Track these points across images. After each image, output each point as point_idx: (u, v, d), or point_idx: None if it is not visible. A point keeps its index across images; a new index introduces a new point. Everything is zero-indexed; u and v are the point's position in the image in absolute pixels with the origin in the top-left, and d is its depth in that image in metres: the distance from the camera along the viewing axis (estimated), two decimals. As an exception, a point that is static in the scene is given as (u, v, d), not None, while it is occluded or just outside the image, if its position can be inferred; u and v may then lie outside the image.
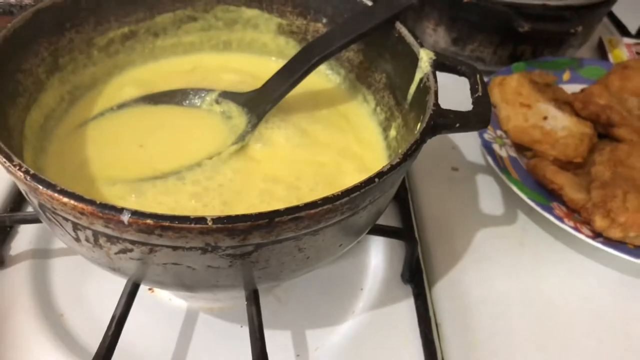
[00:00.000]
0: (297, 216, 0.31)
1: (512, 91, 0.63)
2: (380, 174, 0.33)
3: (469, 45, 0.72)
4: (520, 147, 0.61)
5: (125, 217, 0.29)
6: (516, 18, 0.65)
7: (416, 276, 0.50)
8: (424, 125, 0.37)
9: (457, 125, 0.38)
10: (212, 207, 0.41)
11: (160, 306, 0.48)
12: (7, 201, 0.52)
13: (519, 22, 0.64)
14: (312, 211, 0.31)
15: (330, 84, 0.55)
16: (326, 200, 0.31)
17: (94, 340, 0.45)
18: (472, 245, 0.55)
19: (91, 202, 0.30)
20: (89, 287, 0.48)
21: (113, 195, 0.42)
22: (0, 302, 0.46)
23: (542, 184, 0.56)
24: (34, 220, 0.46)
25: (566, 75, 0.72)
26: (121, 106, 0.50)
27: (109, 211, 0.29)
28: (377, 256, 0.53)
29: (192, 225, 0.29)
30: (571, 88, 0.69)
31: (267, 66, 0.56)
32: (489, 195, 0.60)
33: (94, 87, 0.52)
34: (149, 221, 0.29)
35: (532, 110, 0.61)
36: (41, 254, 0.50)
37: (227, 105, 0.50)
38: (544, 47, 0.72)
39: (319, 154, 0.48)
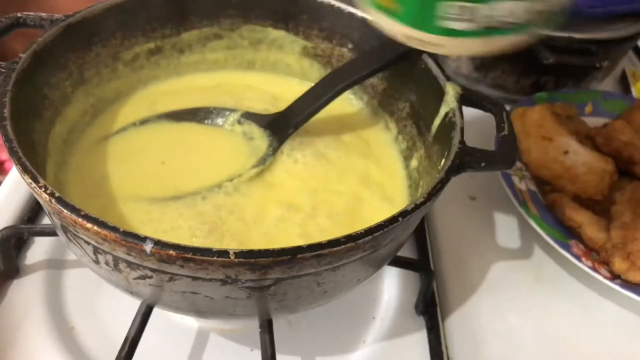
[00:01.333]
0: (319, 253, 0.30)
1: (533, 123, 0.63)
2: (404, 213, 0.33)
3: (492, 73, 0.72)
4: (538, 180, 0.61)
5: (148, 247, 0.29)
6: (541, 49, 0.64)
7: (430, 308, 0.50)
8: (449, 163, 0.37)
9: (483, 164, 0.38)
10: (230, 233, 0.41)
11: (172, 325, 0.48)
12: (25, 211, 0.53)
13: (544, 53, 0.64)
14: (335, 249, 0.31)
15: (352, 108, 0.55)
16: (349, 238, 0.31)
17: (103, 356, 0.45)
18: (487, 278, 0.55)
19: (115, 230, 0.29)
20: (101, 301, 0.48)
21: (132, 213, 0.42)
22: (14, 311, 0.46)
23: (560, 220, 0.55)
24: (52, 233, 0.46)
25: (588, 108, 0.71)
26: (143, 122, 0.50)
27: (132, 239, 0.29)
28: (391, 285, 0.52)
29: (215, 258, 0.29)
30: (593, 121, 0.69)
31: (290, 88, 0.56)
32: (505, 227, 0.60)
33: (117, 100, 0.52)
34: (171, 252, 0.29)
35: (554, 143, 0.61)
36: (56, 264, 0.50)
37: (249, 126, 0.50)
38: (568, 79, 0.72)
39: (339, 180, 0.47)
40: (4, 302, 0.47)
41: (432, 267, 0.53)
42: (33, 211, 0.53)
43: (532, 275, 0.56)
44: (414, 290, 0.51)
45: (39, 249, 0.51)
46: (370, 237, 0.31)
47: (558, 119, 0.64)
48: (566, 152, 0.60)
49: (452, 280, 0.54)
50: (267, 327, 0.39)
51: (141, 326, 0.39)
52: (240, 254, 0.29)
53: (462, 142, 0.38)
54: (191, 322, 0.48)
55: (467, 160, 0.37)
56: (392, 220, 0.32)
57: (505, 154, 0.39)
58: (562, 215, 0.55)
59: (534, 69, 0.70)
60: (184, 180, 0.45)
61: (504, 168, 0.38)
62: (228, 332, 0.48)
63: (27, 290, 0.48)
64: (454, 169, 0.37)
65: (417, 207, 0.33)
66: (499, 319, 0.51)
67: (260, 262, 0.30)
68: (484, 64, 0.71)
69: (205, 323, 0.48)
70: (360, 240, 0.31)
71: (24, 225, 0.51)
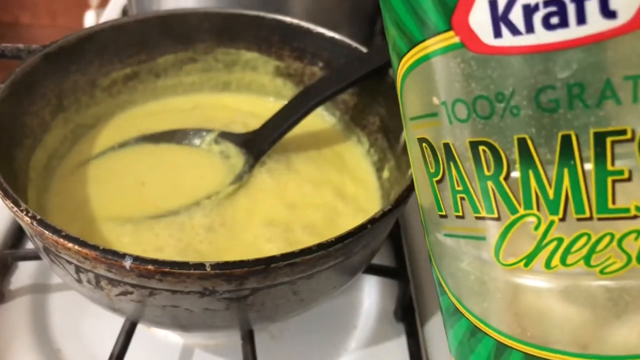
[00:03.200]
0: (292, 262, 0.32)
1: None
2: (372, 221, 0.35)
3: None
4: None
5: (127, 263, 0.30)
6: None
7: (408, 314, 0.51)
8: (415, 172, 0.39)
9: (447, 171, 0.39)
10: (209, 249, 0.42)
11: (156, 342, 0.49)
12: (8, 237, 0.53)
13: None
14: (307, 257, 0.32)
15: (325, 124, 0.57)
16: (320, 246, 0.33)
17: (90, 377, 0.46)
18: (463, 283, 0.56)
19: (95, 248, 0.31)
20: (85, 323, 0.49)
21: (113, 234, 0.43)
22: (0, 337, 0.47)
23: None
24: (36, 257, 0.47)
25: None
26: (122, 145, 0.52)
27: (112, 257, 0.31)
28: (371, 294, 0.54)
29: (191, 271, 0.30)
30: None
31: (265, 106, 0.57)
32: (480, 233, 0.61)
33: (96, 126, 0.53)
34: (149, 267, 0.30)
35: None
36: (40, 288, 0.51)
37: (225, 146, 0.51)
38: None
39: (316, 194, 0.49)
40: (-10, 328, 0.48)
41: (409, 273, 0.54)
42: (16, 237, 0.54)
43: (507, 278, 0.57)
44: (393, 297, 0.53)
45: (23, 274, 0.51)
46: (340, 244, 0.33)
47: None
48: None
49: (430, 286, 0.55)
50: (248, 338, 0.40)
51: (125, 343, 0.40)
52: (216, 265, 0.31)
53: (427, 151, 0.40)
54: (176, 339, 0.49)
55: (432, 168, 0.39)
56: (362, 227, 0.34)
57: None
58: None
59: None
60: (164, 199, 0.47)
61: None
62: (212, 347, 0.49)
63: (13, 315, 0.49)
64: (420, 177, 0.39)
65: (384, 214, 0.35)
66: (476, 322, 0.53)
67: (236, 273, 0.31)
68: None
69: (189, 339, 0.49)
70: (332, 248, 0.33)
71: (7, 251, 0.51)
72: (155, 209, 0.46)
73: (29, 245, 0.54)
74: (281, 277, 0.33)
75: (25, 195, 0.42)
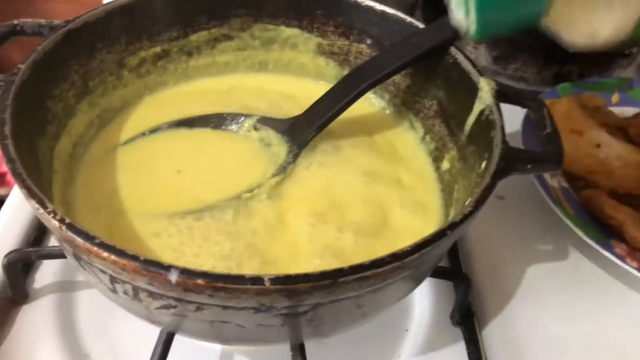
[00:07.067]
0: (362, 276, 0.27)
1: (561, 116, 0.59)
2: (452, 226, 0.30)
3: (512, 65, 0.68)
4: (570, 177, 0.57)
5: (173, 277, 0.26)
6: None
7: (466, 318, 0.46)
8: (494, 166, 0.34)
9: (529, 166, 0.34)
10: (251, 248, 0.38)
11: (193, 347, 0.45)
12: (31, 231, 0.49)
13: (569, 41, 0.61)
14: (379, 270, 0.28)
15: (372, 108, 0.52)
16: (395, 257, 0.28)
17: (122, 385, 0.42)
18: (522, 283, 0.51)
19: (134, 258, 0.26)
20: (117, 324, 0.45)
21: (145, 230, 0.39)
22: (24, 339, 0.43)
23: (598, 219, 0.52)
24: (61, 255, 0.43)
25: (615, 98, 0.68)
26: (153, 130, 0.47)
27: (155, 269, 0.26)
28: (422, 295, 0.49)
29: (248, 286, 0.26)
30: (621, 111, 0.66)
31: (306, 88, 0.53)
32: (537, 227, 0.57)
33: (124, 109, 0.49)
34: (199, 281, 0.26)
35: (584, 137, 0.58)
36: (67, 286, 0.47)
37: (265, 132, 0.47)
38: (592, 68, 0.68)
39: (365, 186, 0.44)
40: (14, 329, 0.44)
41: (467, 274, 0.50)
42: (39, 230, 0.50)
43: (569, 278, 0.52)
44: (447, 299, 0.48)
45: (47, 271, 0.48)
46: (417, 254, 0.28)
47: (586, 111, 0.61)
48: (598, 146, 0.57)
49: (486, 286, 0.51)
50: (299, 351, 0.36)
51: (163, 355, 0.36)
52: (277, 280, 0.26)
53: (504, 142, 0.35)
54: (214, 344, 0.45)
55: (512, 162, 0.34)
56: (440, 234, 0.29)
57: (552, 153, 0.35)
58: (600, 212, 0.52)
59: (556, 59, 0.67)
60: (202, 191, 0.42)
61: (552, 169, 0.35)
62: (254, 354, 0.45)
63: (37, 316, 0.45)
64: (500, 173, 0.33)
65: (465, 217, 0.30)
66: (539, 326, 0.48)
67: (299, 289, 0.27)
68: (503, 55, 0.68)
69: (229, 345, 0.45)
70: (407, 259, 0.28)
71: (30, 248, 0.47)
72: (192, 202, 0.41)
73: (53, 241, 0.50)
74: (348, 292, 0.28)
75: (49, 190, 0.38)
